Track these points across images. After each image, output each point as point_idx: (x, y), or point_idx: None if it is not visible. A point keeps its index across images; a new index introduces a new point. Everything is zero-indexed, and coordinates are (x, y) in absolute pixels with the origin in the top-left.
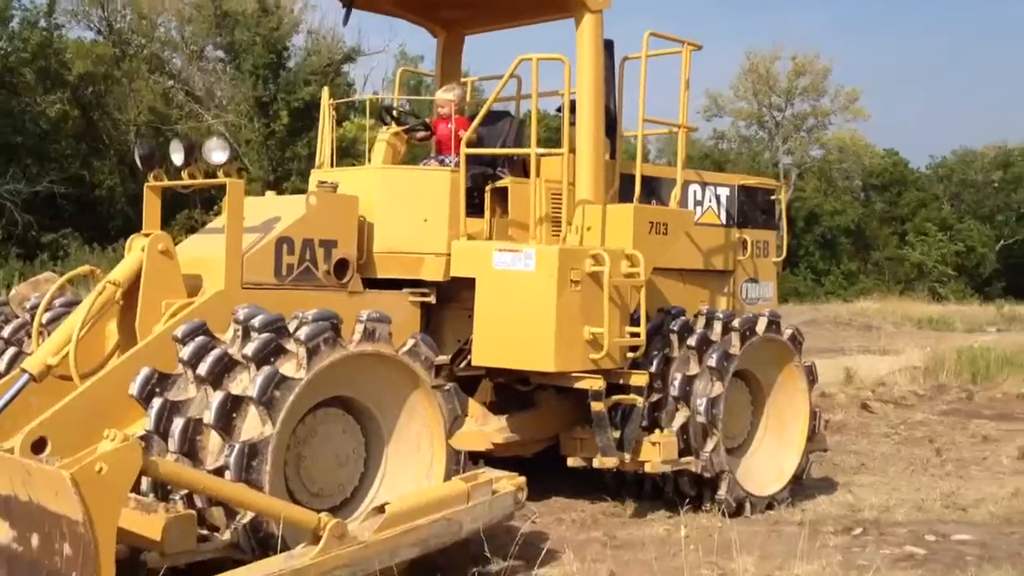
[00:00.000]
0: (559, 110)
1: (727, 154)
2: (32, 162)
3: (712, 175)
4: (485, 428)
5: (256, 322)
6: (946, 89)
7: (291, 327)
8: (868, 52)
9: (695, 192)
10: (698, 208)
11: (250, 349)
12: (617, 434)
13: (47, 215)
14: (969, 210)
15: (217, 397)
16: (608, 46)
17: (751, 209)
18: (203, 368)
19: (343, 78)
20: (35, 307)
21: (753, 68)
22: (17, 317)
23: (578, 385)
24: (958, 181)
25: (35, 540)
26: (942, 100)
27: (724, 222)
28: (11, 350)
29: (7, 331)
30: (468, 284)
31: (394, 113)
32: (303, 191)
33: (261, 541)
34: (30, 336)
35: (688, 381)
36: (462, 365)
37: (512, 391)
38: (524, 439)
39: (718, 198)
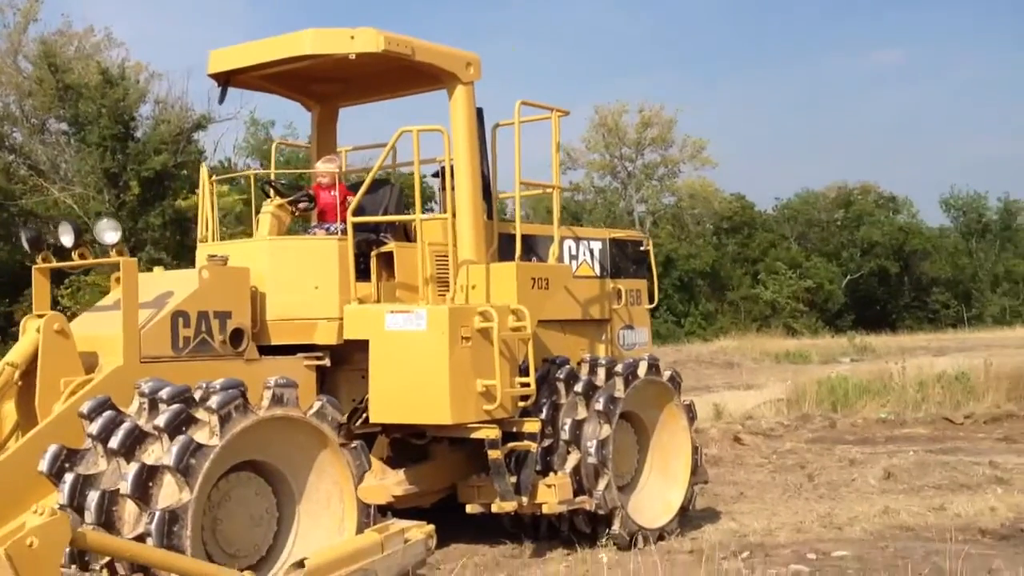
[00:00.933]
0: (436, 175)
1: (584, 205)
2: None
3: (584, 230)
4: (385, 481)
5: (163, 394)
6: (786, 135)
7: (198, 396)
8: (711, 102)
9: (570, 247)
10: (574, 262)
11: (161, 420)
12: (514, 479)
13: None
14: (815, 248)
15: (133, 468)
16: (479, 113)
17: (623, 260)
18: (114, 441)
19: (194, 145)
20: None
21: (603, 121)
22: None
23: (475, 435)
24: (803, 221)
25: None
26: (783, 145)
27: (599, 274)
28: None
29: None
30: (360, 346)
31: (277, 186)
32: (159, 260)
33: None
34: None
35: (578, 425)
36: (358, 423)
37: (408, 445)
38: (423, 490)
39: (592, 252)
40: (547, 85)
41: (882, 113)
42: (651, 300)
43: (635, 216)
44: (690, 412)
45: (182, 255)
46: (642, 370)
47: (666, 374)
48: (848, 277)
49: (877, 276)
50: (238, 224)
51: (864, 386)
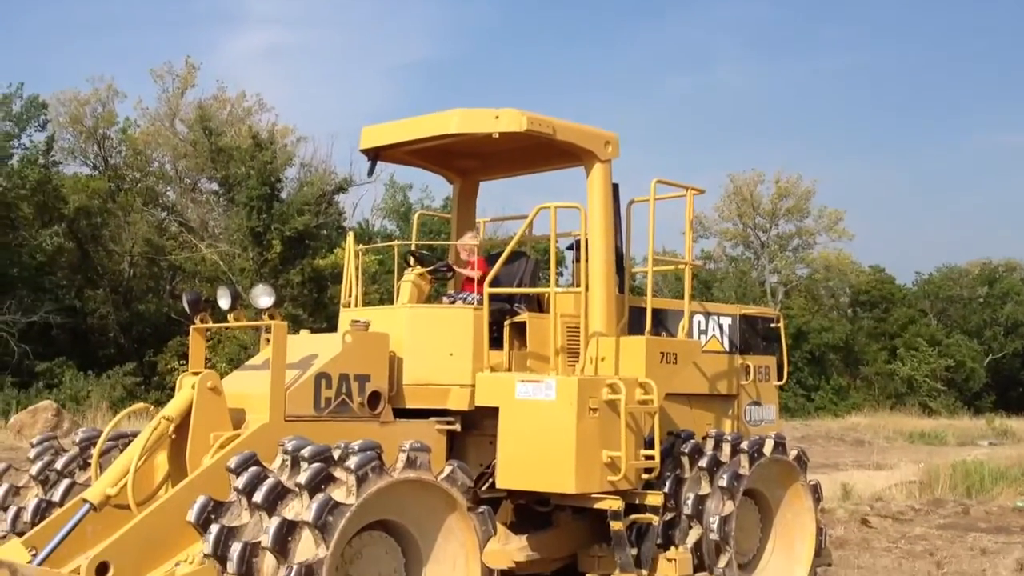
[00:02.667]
0: (570, 248)
1: (715, 274)
2: (27, 293)
3: (715, 305)
4: (508, 547)
5: (305, 452)
6: (928, 208)
7: (337, 456)
8: (849, 174)
9: (699, 322)
10: (703, 336)
11: (303, 478)
12: (635, 551)
13: (42, 344)
14: (956, 325)
15: (274, 522)
16: (615, 189)
17: (752, 336)
18: (258, 496)
19: (334, 207)
20: (85, 440)
21: (737, 191)
22: (66, 450)
23: (598, 505)
24: (944, 297)
25: None
26: (924, 218)
27: (727, 349)
28: (65, 481)
29: (60, 463)
30: (490, 412)
31: (418, 256)
32: (296, 317)
33: None
34: (82, 468)
35: (700, 500)
36: (484, 488)
37: (531, 511)
38: (544, 557)
39: (721, 327)
40: (679, 151)
41: None
42: (780, 377)
43: (767, 286)
44: (816, 492)
45: (318, 312)
46: (768, 448)
47: (792, 453)
48: (990, 356)
49: (1021, 357)
50: (372, 283)
51: (1002, 472)
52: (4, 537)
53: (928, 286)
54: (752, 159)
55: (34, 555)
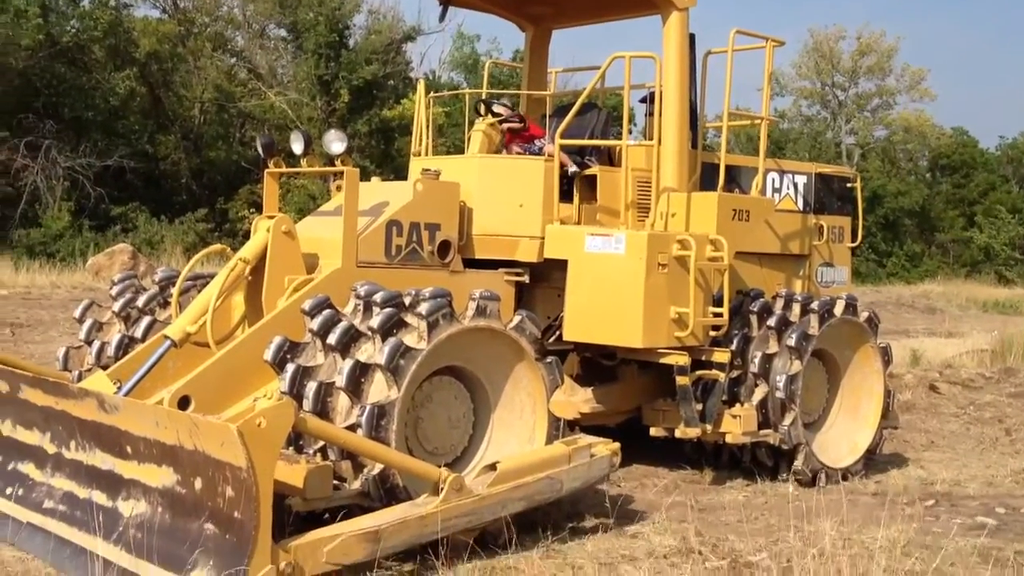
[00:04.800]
0: (643, 100)
1: (788, 134)
2: (102, 137)
3: (790, 163)
4: (573, 399)
5: (378, 297)
6: (1015, 68)
7: (408, 302)
8: (934, 31)
9: (773, 180)
10: (776, 195)
11: (375, 322)
12: (699, 407)
13: (117, 188)
14: None
15: (347, 364)
16: (691, 40)
17: (827, 196)
18: (332, 338)
19: (402, 56)
20: (165, 279)
21: (817, 47)
22: (146, 289)
23: (664, 360)
24: None
25: (198, 484)
26: (1011, 79)
27: (801, 208)
28: (146, 319)
29: (141, 301)
30: (558, 265)
31: (490, 105)
32: (363, 168)
33: (388, 491)
34: (162, 306)
35: (768, 359)
36: (551, 340)
37: (597, 365)
38: (609, 410)
39: (796, 185)
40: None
41: None
42: (854, 238)
43: (842, 148)
44: (885, 355)
45: (385, 164)
46: (839, 309)
47: (863, 315)
48: None
49: None
50: (439, 136)
51: None
52: (89, 370)
53: (1012, 151)
54: (834, 15)
55: (119, 387)
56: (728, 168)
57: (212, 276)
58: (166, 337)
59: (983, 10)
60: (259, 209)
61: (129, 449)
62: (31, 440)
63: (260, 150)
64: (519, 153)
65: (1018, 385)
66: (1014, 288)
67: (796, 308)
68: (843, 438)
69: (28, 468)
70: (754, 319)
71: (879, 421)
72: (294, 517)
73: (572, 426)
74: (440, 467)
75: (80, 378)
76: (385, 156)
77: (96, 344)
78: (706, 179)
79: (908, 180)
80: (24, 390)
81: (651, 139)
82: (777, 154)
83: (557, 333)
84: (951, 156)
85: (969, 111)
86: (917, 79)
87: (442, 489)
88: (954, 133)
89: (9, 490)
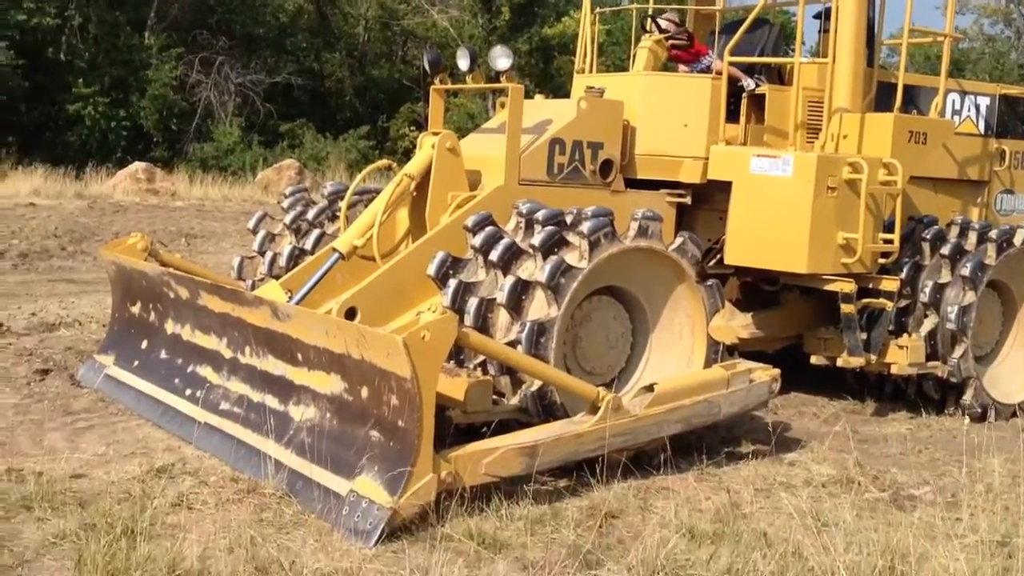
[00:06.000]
0: (817, 16)
1: (968, 54)
2: (271, 54)
3: (973, 84)
4: (732, 323)
5: (540, 216)
6: None
7: (570, 221)
8: None
9: (954, 101)
10: (956, 117)
11: (537, 240)
12: (864, 336)
13: (285, 104)
14: None
15: (509, 281)
16: None
17: (1011, 119)
18: (494, 255)
19: None
20: (334, 193)
21: None
22: (315, 203)
23: (829, 287)
24: None
25: (364, 392)
26: None
27: (982, 132)
28: (315, 232)
29: (311, 214)
30: (721, 187)
31: (658, 21)
32: (524, 86)
33: (546, 408)
34: (330, 219)
35: (939, 289)
36: (712, 263)
37: (758, 290)
38: (768, 336)
39: (977, 107)
40: None
41: None
42: None
43: None
44: None
45: (544, 83)
46: (1019, 238)
47: None
48: None
49: None
50: (600, 55)
51: None
52: (262, 280)
53: None
54: None
55: (290, 296)
56: (906, 88)
57: (379, 191)
58: (334, 250)
59: None
60: (420, 128)
61: (300, 356)
62: (209, 345)
63: (427, 66)
64: (685, 71)
65: None
66: None
67: (972, 236)
68: (1016, 373)
69: (206, 371)
70: (926, 247)
71: None
72: (454, 429)
73: (731, 351)
74: (598, 387)
75: (253, 287)
76: (545, 75)
77: (268, 255)
78: (881, 99)
79: None
80: (203, 296)
81: (825, 57)
82: (957, 75)
83: (718, 256)
84: None
85: None
86: None
87: (599, 408)
88: None
89: (189, 391)
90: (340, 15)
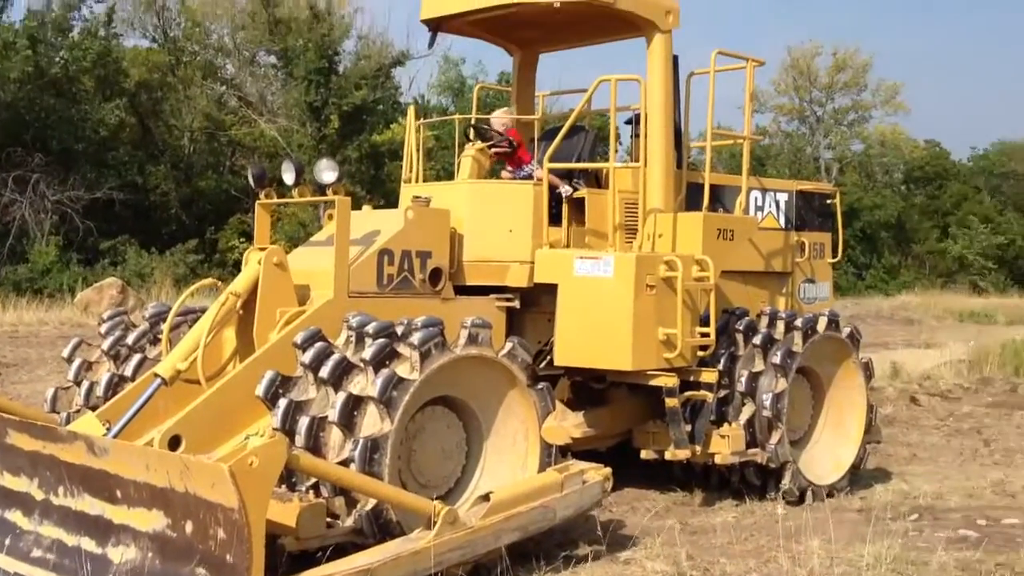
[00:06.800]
0: (628, 122)
1: (768, 149)
2: (91, 169)
3: (772, 181)
4: (564, 424)
5: (370, 329)
6: (985, 81)
7: (400, 332)
8: (907, 46)
9: (756, 198)
10: (759, 213)
11: (368, 353)
12: (689, 428)
13: (105, 220)
14: (1010, 202)
15: (340, 397)
16: (674, 62)
17: (808, 213)
18: (324, 371)
19: (391, 81)
20: (155, 315)
21: (794, 64)
22: (135, 326)
23: (653, 382)
24: (999, 173)
25: (189, 527)
26: (982, 92)
27: (783, 226)
28: (136, 357)
29: (131, 338)
30: (548, 289)
31: (480, 130)
32: (354, 194)
33: (382, 527)
34: (152, 343)
35: (754, 377)
36: (542, 365)
37: (587, 388)
38: (599, 434)
39: (777, 203)
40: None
41: None
42: (835, 254)
43: (821, 162)
44: (867, 370)
45: (376, 189)
46: (821, 325)
47: (845, 330)
48: None
49: None
50: (429, 160)
51: None
52: (78, 411)
53: (983, 162)
54: (811, 31)
55: (108, 428)
56: (712, 187)
57: (203, 311)
58: (156, 375)
59: (955, 24)
60: (250, 239)
61: (119, 493)
62: (18, 487)
63: (251, 181)
64: (508, 177)
65: (995, 395)
66: (988, 297)
67: (780, 326)
68: (828, 454)
69: (15, 516)
70: (740, 338)
71: (863, 436)
72: (287, 557)
73: (564, 451)
74: (433, 500)
75: (69, 420)
76: (376, 181)
77: (85, 384)
78: (691, 199)
79: (884, 193)
80: (10, 435)
81: (637, 160)
82: (759, 170)
83: (548, 358)
84: (925, 168)
85: (942, 124)
86: (892, 93)
87: (435, 523)
88: (927, 146)
89: None
90: (164, 127)
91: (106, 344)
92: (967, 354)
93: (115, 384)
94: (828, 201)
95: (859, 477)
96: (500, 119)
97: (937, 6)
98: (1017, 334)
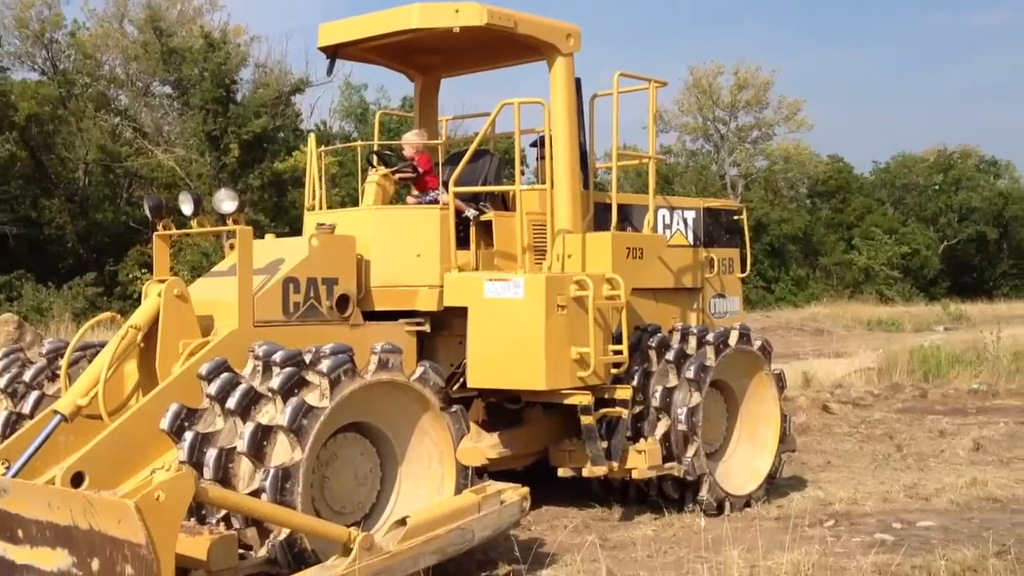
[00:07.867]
0: (533, 144)
1: (675, 168)
2: None
3: (679, 200)
4: (480, 445)
5: (277, 357)
6: (885, 96)
7: (308, 360)
8: (808, 63)
9: (664, 216)
10: (668, 231)
11: (276, 383)
12: (605, 444)
13: None
14: (912, 213)
15: (248, 428)
16: (577, 84)
17: (716, 229)
18: (231, 402)
19: (291, 108)
20: (53, 351)
21: (697, 83)
22: (32, 362)
23: (568, 401)
24: (900, 185)
25: (96, 565)
26: (881, 106)
27: (692, 243)
28: (34, 394)
29: (28, 375)
30: (459, 312)
31: (383, 156)
32: (257, 222)
33: (296, 556)
34: (50, 379)
35: (668, 393)
36: (455, 387)
37: (502, 409)
38: (516, 454)
39: (686, 221)
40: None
41: (985, 75)
42: (743, 269)
43: (727, 180)
44: (780, 381)
45: (279, 217)
46: (733, 339)
47: (756, 343)
48: (945, 243)
49: (975, 242)
50: (333, 186)
51: (957, 356)
52: None
53: (885, 175)
54: (712, 51)
55: (7, 467)
56: (620, 207)
57: (103, 345)
58: (56, 412)
59: (855, 42)
60: (150, 270)
61: (21, 533)
62: None
63: (148, 213)
64: (414, 202)
65: (905, 401)
66: (894, 306)
67: (692, 340)
68: (744, 465)
69: None
70: (653, 354)
71: (777, 446)
72: None
73: (480, 473)
74: (349, 526)
75: None
76: (279, 209)
77: None
78: (599, 219)
79: (790, 207)
80: None
81: (543, 183)
82: (666, 188)
83: (461, 381)
84: (828, 182)
85: (844, 139)
86: (794, 110)
87: (351, 549)
88: (830, 160)
89: None
90: (57, 160)
91: (2, 382)
92: (876, 362)
93: (13, 422)
94: (735, 217)
95: (776, 486)
96: (411, 143)
97: (839, 26)
98: (924, 340)
